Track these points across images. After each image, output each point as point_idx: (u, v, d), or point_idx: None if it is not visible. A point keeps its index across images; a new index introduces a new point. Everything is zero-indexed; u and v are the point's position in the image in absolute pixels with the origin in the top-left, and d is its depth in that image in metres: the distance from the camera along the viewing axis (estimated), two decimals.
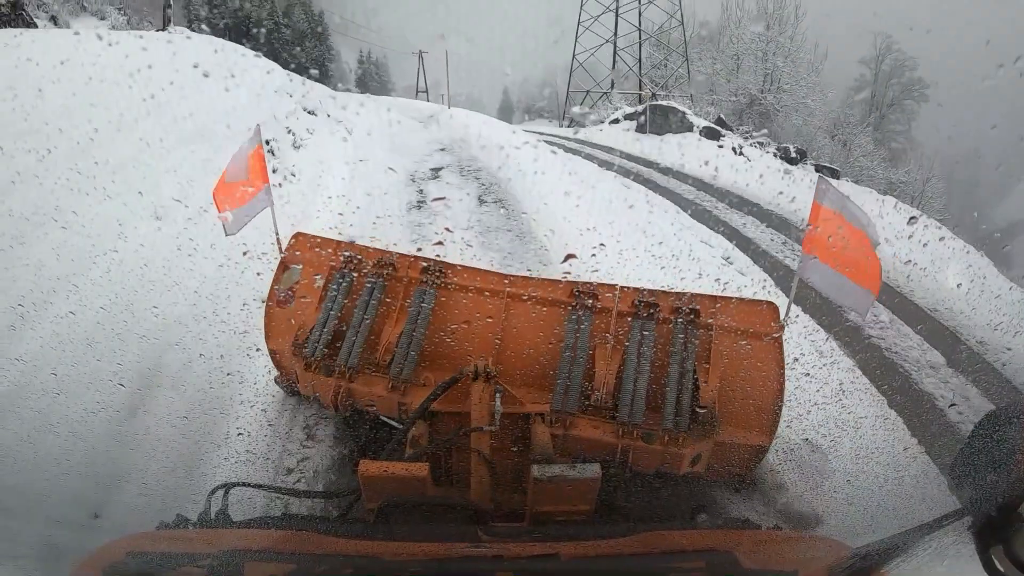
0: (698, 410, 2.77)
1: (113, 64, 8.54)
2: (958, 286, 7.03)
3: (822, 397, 4.20)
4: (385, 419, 3.12)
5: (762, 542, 1.78)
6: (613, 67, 32.44)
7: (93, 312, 4.34)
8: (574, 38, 33.02)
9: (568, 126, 30.51)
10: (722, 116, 22.39)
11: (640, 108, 21.29)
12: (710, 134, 19.04)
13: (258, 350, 4.09)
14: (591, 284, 3.14)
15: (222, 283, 5.42)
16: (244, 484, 2.31)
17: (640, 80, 32.04)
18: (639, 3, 33.01)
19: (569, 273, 5.91)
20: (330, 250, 3.39)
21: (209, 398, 3.82)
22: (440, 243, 6.97)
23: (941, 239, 8.85)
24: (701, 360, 2.89)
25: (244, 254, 5.80)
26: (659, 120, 19.93)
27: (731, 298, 3.04)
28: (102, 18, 21.72)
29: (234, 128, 8.40)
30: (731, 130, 20.65)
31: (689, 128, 19.60)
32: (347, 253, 3.34)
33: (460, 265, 3.32)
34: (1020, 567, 0.89)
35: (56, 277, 4.41)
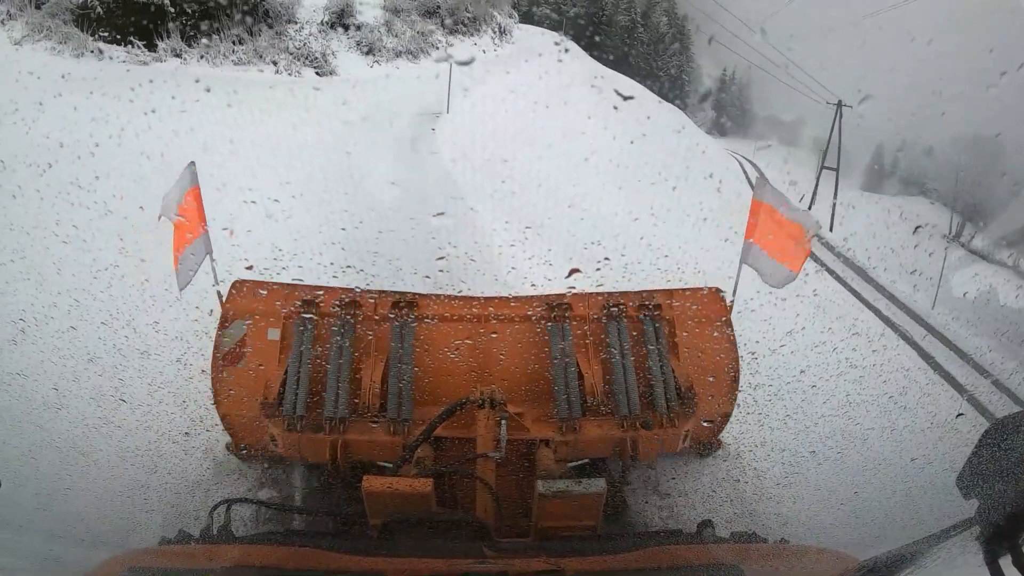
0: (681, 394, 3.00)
1: None
2: None
3: None
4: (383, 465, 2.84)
5: (769, 556, 1.77)
6: None
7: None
8: None
9: None
10: None
11: None
12: None
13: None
14: (562, 295, 3.22)
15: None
16: (247, 500, 2.31)
17: None
18: None
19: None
20: (278, 296, 3.07)
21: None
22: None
23: None
24: (670, 348, 3.14)
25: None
26: None
27: (683, 290, 3.26)
28: None
29: None
30: None
31: None
32: (303, 297, 3.02)
33: (431, 295, 3.21)
34: None
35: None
